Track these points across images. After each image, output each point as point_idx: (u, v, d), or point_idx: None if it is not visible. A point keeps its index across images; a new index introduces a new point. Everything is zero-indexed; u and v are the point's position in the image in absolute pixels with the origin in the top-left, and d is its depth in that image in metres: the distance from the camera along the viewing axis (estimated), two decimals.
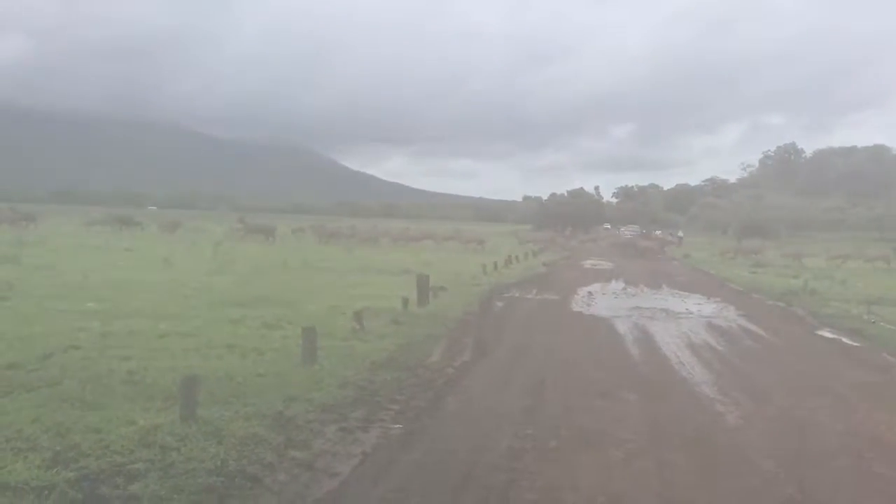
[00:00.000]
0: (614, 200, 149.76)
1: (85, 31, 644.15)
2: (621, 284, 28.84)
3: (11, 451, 6.56)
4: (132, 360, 10.39)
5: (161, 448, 6.89)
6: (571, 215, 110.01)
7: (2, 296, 16.01)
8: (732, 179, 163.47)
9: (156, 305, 15.75)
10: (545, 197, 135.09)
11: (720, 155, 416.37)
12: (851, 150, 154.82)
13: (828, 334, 17.05)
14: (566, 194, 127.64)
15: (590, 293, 24.68)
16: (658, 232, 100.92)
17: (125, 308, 15.19)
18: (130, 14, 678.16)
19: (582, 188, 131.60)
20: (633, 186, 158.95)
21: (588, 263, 43.63)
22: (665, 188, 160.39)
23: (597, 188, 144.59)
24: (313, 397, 9.10)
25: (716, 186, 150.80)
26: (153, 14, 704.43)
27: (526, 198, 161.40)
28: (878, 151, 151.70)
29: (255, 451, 7.15)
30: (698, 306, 21.84)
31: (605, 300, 22.87)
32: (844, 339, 16.19)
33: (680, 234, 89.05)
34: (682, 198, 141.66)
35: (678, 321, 18.28)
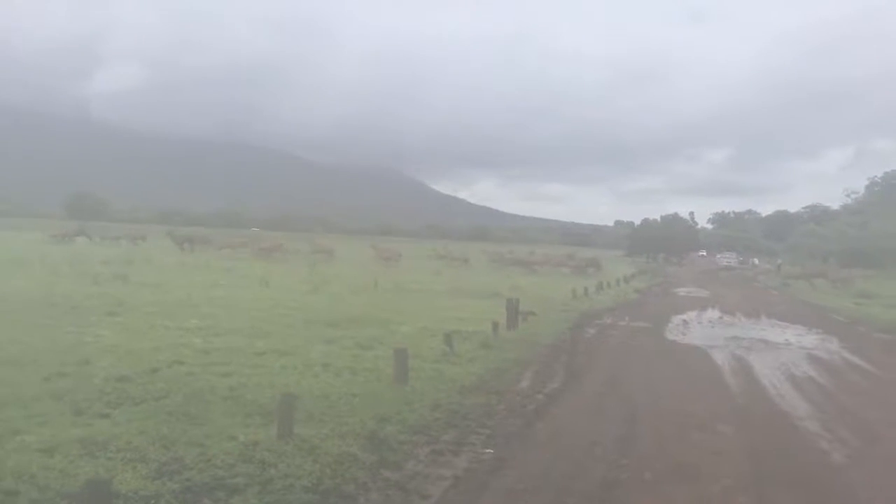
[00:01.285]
0: (709, 226, 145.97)
1: (194, 59, 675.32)
2: (717, 313, 28.01)
3: (122, 461, 6.89)
4: (232, 376, 10.76)
5: (260, 463, 7.11)
6: (665, 241, 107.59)
7: (113, 312, 16.88)
8: (835, 206, 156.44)
9: (254, 324, 16.27)
10: (637, 222, 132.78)
11: (822, 181, 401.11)
12: None
13: None
14: (659, 219, 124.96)
15: (685, 321, 24.07)
16: (755, 260, 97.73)
17: (226, 326, 15.75)
18: (236, 43, 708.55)
19: (676, 213, 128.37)
20: (729, 212, 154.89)
21: (682, 291, 42.59)
22: (763, 214, 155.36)
23: (691, 214, 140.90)
24: (405, 418, 9.21)
25: (817, 213, 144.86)
26: (258, 43, 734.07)
27: (618, 222, 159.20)
28: None
29: (350, 469, 7.29)
30: (799, 337, 20.99)
31: (701, 329, 22.25)
32: None
33: (779, 261, 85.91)
34: (781, 225, 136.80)
35: (778, 352, 17.62)
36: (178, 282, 25.73)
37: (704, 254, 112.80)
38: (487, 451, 8.39)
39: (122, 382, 9.90)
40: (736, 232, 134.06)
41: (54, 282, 23.49)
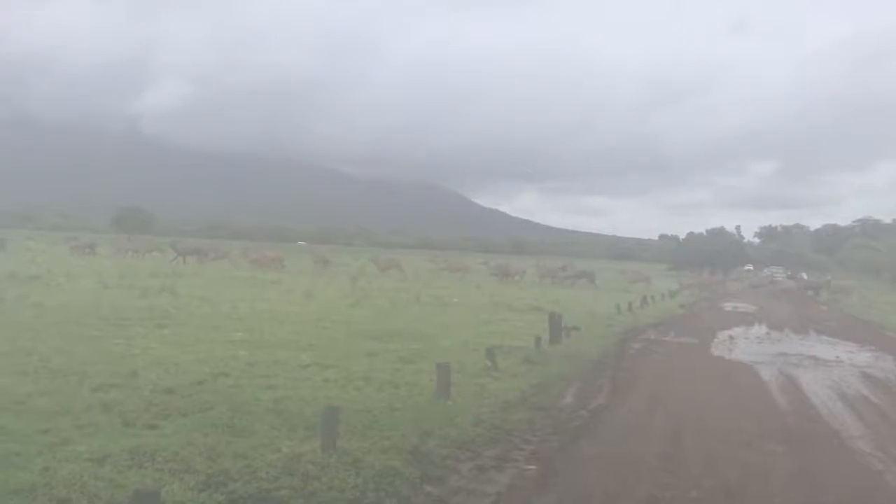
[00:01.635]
0: (756, 240, 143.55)
1: (239, 76, 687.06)
2: (764, 329, 27.47)
3: (169, 472, 6.99)
4: (277, 388, 10.86)
5: (304, 476, 7.15)
6: (710, 255, 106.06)
7: (161, 324, 17.18)
8: (887, 220, 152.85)
9: (298, 336, 16.42)
10: (682, 235, 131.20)
11: (872, 194, 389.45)
12: None
13: None
14: (705, 233, 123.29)
15: (731, 337, 23.66)
16: (804, 274, 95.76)
17: (270, 338, 15.93)
18: (277, 60, 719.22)
19: (722, 227, 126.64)
20: (776, 226, 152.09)
21: (728, 306, 41.90)
22: (811, 228, 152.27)
23: (737, 227, 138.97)
24: (448, 433, 9.19)
25: (868, 227, 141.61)
26: (300, 60, 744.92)
27: (662, 236, 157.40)
28: None
29: (392, 484, 7.29)
30: (850, 354, 20.48)
31: (748, 345, 21.85)
32: None
33: (828, 277, 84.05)
34: (831, 239, 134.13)
35: (828, 369, 17.21)
36: (224, 294, 26.09)
37: (751, 268, 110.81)
38: (531, 467, 8.33)
39: (170, 394, 10.06)
40: (783, 246, 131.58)
41: (103, 294, 24.02)
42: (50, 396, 9.50)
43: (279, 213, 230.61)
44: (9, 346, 13.01)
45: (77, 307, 19.64)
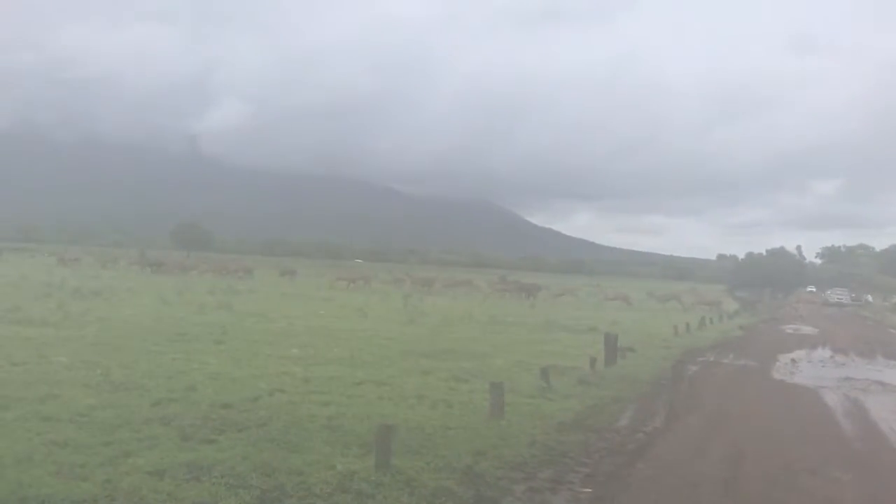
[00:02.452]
0: (818, 261, 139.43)
1: (294, 96, 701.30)
2: (828, 352, 26.62)
3: (225, 486, 7.06)
4: (331, 405, 10.92)
5: (357, 494, 7.15)
6: (770, 276, 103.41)
7: (218, 339, 17.49)
8: None
9: (352, 353, 16.53)
10: (741, 255, 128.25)
11: None
12: None
13: None
14: (764, 253, 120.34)
15: (793, 360, 22.98)
16: (869, 296, 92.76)
17: (325, 355, 16.06)
18: (334, 80, 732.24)
19: (782, 247, 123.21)
20: (839, 246, 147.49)
21: (790, 328, 40.76)
22: (877, 248, 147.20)
23: (798, 248, 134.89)
24: (502, 454, 9.10)
25: None
26: (355, 79, 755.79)
27: (720, 256, 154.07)
28: None
29: None
30: None
31: (811, 369, 21.19)
32: None
33: (895, 299, 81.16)
34: None
35: None
36: (280, 311, 26.45)
37: (814, 289, 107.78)
38: (586, 490, 8.18)
39: (226, 409, 10.20)
40: (848, 267, 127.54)
41: (163, 310, 24.59)
42: (112, 409, 9.73)
43: (334, 231, 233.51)
44: (73, 359, 13.40)
45: (138, 322, 20.15)
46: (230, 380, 12.39)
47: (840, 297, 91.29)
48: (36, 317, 19.63)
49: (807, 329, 40.10)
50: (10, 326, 17.40)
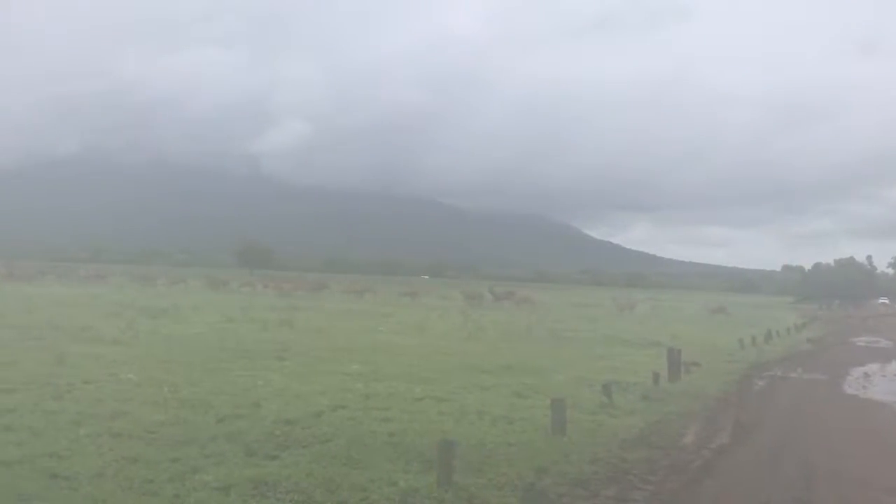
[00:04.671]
0: (890, 271, 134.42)
1: (351, 116, 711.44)
2: None
3: (290, 503, 7.14)
4: (392, 421, 10.96)
5: None
6: (839, 287, 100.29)
7: (281, 356, 17.74)
8: None
9: (412, 369, 16.57)
10: (808, 266, 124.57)
11: None
12: None
13: None
14: (833, 264, 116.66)
15: (865, 374, 22.21)
16: None
17: (385, 371, 16.15)
18: (390, 98, 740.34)
19: (851, 257, 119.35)
20: None
21: (861, 341, 39.40)
22: None
23: (869, 258, 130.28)
24: (564, 471, 8.99)
25: None
26: (410, 97, 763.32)
27: (786, 267, 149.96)
28: None
29: None
30: None
31: (885, 383, 20.44)
32: None
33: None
34: None
35: None
36: (340, 327, 26.72)
37: (887, 301, 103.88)
38: None
39: (290, 425, 10.32)
40: None
41: (227, 327, 25.07)
42: (179, 426, 9.95)
43: (391, 247, 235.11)
44: (142, 376, 13.75)
45: (203, 339, 20.59)
46: (293, 396, 12.54)
47: None
48: (106, 335, 20.22)
49: (879, 342, 38.72)
50: (81, 345, 17.95)
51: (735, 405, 15.22)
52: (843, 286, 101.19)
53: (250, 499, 7.18)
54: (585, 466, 9.33)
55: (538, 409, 12.29)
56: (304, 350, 19.28)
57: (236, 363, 16.29)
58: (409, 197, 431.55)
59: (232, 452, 8.78)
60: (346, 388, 13.71)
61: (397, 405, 12.26)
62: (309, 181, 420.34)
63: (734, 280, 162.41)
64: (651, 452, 10.39)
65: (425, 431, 10.31)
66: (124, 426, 9.78)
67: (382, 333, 25.45)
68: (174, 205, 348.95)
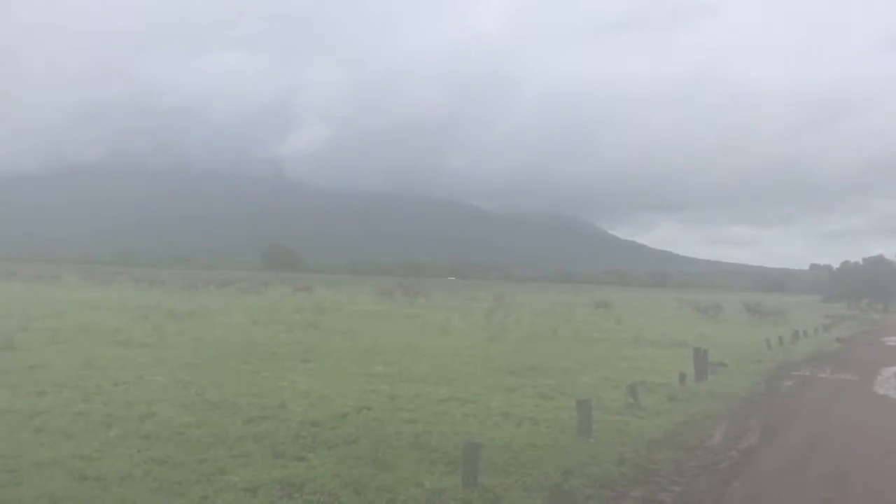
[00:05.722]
0: None
1: (372, 119, 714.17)
2: None
3: None
4: (417, 423, 10.97)
5: None
6: (868, 286, 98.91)
7: (306, 358, 17.84)
8: None
9: (437, 370, 16.59)
10: (836, 265, 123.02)
11: None
12: None
13: None
14: (861, 262, 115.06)
15: None
16: None
17: (410, 372, 16.17)
18: (412, 101, 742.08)
19: (881, 255, 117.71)
20: None
21: (892, 340, 38.81)
22: None
23: None
24: (590, 472, 8.94)
25: None
26: (432, 99, 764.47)
27: (813, 266, 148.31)
28: None
29: None
30: None
31: None
32: None
33: None
34: None
35: None
36: (364, 329, 26.80)
37: None
38: None
39: (316, 426, 10.37)
40: None
41: (253, 329, 25.25)
42: (206, 427, 10.02)
43: (415, 249, 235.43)
44: (170, 378, 13.89)
45: (229, 341, 20.75)
46: (319, 397, 12.60)
47: None
48: (135, 338, 20.44)
49: None
50: (111, 348, 18.17)
51: (763, 406, 15.05)
52: (873, 285, 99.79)
53: (278, 500, 7.22)
54: (612, 467, 9.27)
55: (563, 410, 12.25)
56: (329, 351, 19.37)
57: (262, 365, 16.40)
58: (432, 198, 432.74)
59: (259, 454, 8.83)
60: (371, 389, 13.75)
61: (422, 407, 12.27)
62: (332, 184, 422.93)
63: (761, 279, 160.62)
64: (678, 453, 10.30)
65: (450, 433, 10.31)
66: (153, 428, 9.88)
67: (406, 335, 25.45)
68: (199, 209, 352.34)
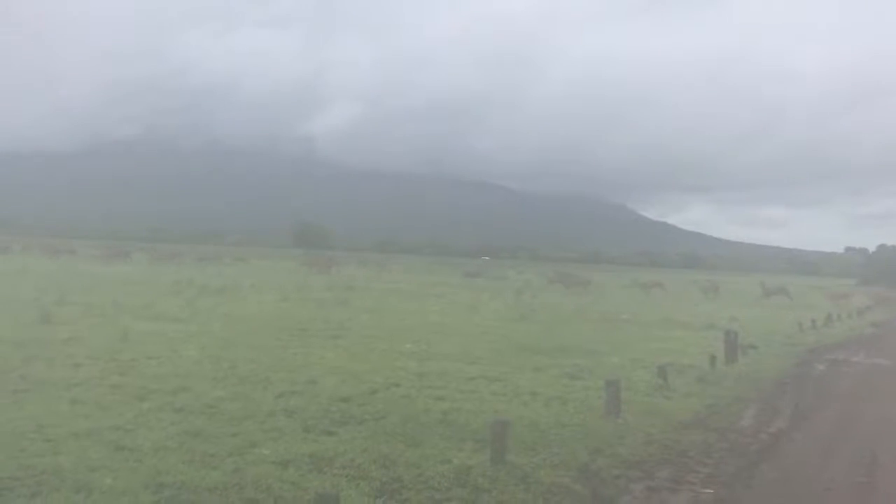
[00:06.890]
0: None
1: (402, 98, 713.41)
2: None
3: (346, 478, 7.26)
4: (445, 400, 11.04)
5: (474, 488, 7.20)
6: None
7: (336, 335, 18.00)
8: None
9: (465, 349, 16.64)
10: (872, 248, 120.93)
11: None
12: None
13: None
14: None
15: None
16: None
17: (438, 350, 16.25)
18: (442, 79, 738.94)
19: None
20: None
21: None
22: None
23: None
24: (618, 452, 8.95)
25: None
26: (461, 79, 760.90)
27: (849, 249, 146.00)
28: None
29: (562, 501, 7.19)
30: None
31: None
32: None
33: None
34: None
35: None
36: (394, 307, 26.95)
37: None
38: (707, 491, 7.94)
39: (346, 402, 10.48)
40: None
41: (284, 306, 25.50)
42: (238, 401, 10.18)
43: (444, 229, 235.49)
44: (202, 353, 14.09)
45: (260, 318, 20.99)
46: (348, 374, 12.72)
47: None
48: (167, 313, 20.76)
49: None
50: (144, 322, 18.47)
51: (794, 389, 14.92)
52: None
53: (308, 473, 7.32)
54: (640, 448, 9.27)
55: (592, 390, 12.23)
56: (358, 328, 19.52)
57: (293, 341, 16.58)
58: (461, 179, 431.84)
59: (290, 428, 8.96)
60: (400, 366, 13.85)
61: (450, 384, 12.33)
62: (362, 163, 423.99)
63: (794, 262, 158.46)
64: (707, 435, 10.27)
65: (478, 411, 10.36)
66: (186, 401, 10.05)
67: (434, 314, 25.53)
68: (230, 186, 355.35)
